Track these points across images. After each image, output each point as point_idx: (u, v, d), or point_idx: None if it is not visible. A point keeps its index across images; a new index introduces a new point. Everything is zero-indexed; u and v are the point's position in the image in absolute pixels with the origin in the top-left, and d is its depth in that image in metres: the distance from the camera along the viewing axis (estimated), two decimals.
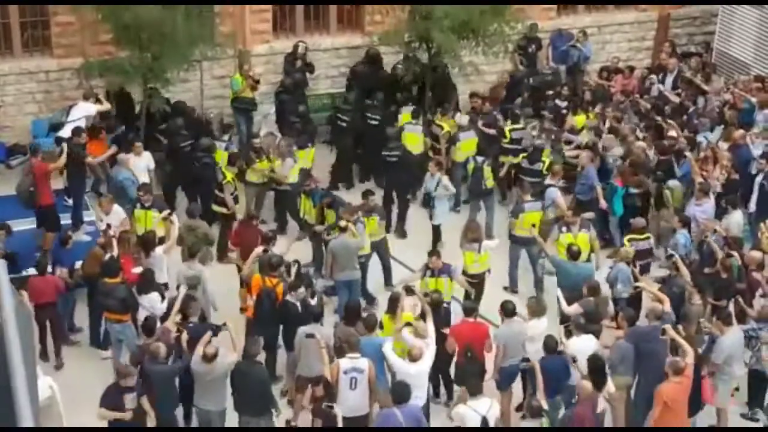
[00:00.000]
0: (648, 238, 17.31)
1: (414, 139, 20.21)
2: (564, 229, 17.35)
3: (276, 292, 15.27)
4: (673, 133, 19.87)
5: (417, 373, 13.66)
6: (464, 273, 16.42)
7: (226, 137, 19.95)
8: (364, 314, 14.77)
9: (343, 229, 16.58)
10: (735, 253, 16.49)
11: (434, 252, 16.25)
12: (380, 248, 17.77)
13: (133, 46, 19.17)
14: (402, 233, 19.49)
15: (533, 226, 17.73)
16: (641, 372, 14.35)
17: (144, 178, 18.31)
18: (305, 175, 18.64)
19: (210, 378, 13.58)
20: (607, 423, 14.09)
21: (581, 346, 14.18)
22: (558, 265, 16.51)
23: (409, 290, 15.13)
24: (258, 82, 21.35)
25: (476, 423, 13.02)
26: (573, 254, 16.32)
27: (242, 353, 13.85)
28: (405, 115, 20.75)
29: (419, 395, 13.62)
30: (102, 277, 15.37)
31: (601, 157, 19.39)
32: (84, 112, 19.14)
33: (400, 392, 13.12)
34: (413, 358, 13.69)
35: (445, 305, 15.32)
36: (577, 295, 15.37)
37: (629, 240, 17.04)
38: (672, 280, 16.13)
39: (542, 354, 14.13)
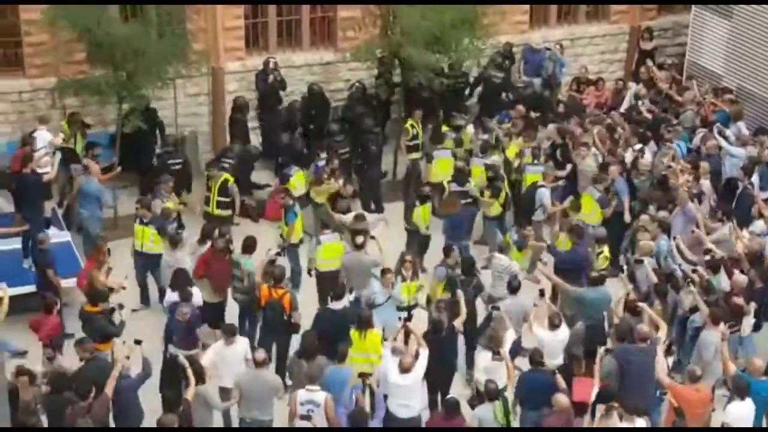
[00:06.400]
0: None
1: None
2: None
3: (282, 303, 15.33)
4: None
5: (410, 384, 13.72)
6: None
7: None
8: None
9: (359, 246, 16.56)
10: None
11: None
12: None
13: (107, 65, 19.08)
14: None
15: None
16: (625, 391, 14.22)
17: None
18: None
19: None
20: None
21: None
22: (579, 297, 16.10)
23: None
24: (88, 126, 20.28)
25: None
26: (594, 280, 16.17)
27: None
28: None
29: (411, 405, 13.75)
30: None
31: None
32: (44, 141, 18.86)
33: None
34: (404, 368, 13.71)
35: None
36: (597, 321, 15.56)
37: None
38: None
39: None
